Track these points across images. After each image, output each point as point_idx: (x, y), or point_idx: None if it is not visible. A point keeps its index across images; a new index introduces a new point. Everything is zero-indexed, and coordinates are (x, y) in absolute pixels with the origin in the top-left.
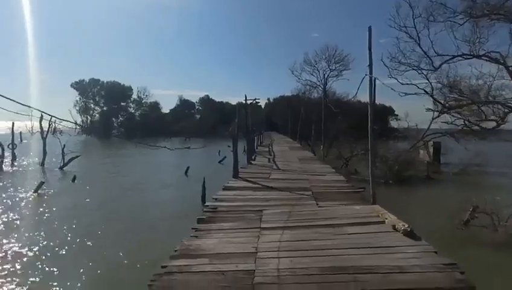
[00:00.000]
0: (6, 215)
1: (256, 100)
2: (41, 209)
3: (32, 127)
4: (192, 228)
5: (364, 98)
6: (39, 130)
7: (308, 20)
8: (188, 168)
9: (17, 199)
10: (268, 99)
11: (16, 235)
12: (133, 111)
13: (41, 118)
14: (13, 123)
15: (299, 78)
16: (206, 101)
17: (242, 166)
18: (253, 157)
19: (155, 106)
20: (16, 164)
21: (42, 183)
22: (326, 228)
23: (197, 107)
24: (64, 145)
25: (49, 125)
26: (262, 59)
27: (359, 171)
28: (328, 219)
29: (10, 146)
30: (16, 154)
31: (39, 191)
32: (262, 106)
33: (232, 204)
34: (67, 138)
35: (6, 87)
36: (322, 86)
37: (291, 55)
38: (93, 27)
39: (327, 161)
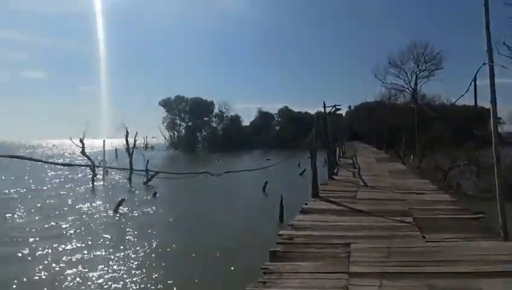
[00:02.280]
0: (84, 232)
1: (337, 106)
2: (116, 227)
3: (134, 144)
4: (262, 268)
5: (461, 100)
6: (134, 146)
7: (391, 21)
8: (266, 183)
9: (99, 215)
10: (349, 107)
11: (89, 254)
12: (215, 125)
13: (126, 136)
14: (104, 141)
15: (383, 82)
16: (284, 112)
17: (323, 182)
18: (335, 171)
19: (236, 119)
20: (106, 180)
21: (122, 200)
22: (448, 279)
23: (276, 119)
24: (147, 161)
25: (134, 141)
26: (342, 65)
27: (461, 185)
28: (445, 262)
29: (102, 163)
30: (108, 170)
31: (119, 209)
32: (343, 115)
33: (312, 233)
34: (157, 153)
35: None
36: (411, 89)
37: (374, 60)
38: (178, 46)
39: (422, 173)
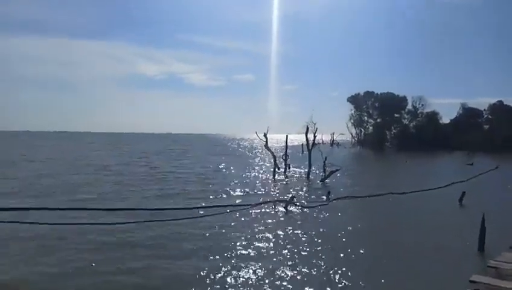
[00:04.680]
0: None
1: None
2: (277, 226)
3: (313, 140)
4: None
5: None
6: (320, 142)
7: None
8: (463, 194)
9: (269, 209)
10: None
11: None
12: (407, 122)
13: (306, 132)
14: (287, 136)
15: None
16: (498, 108)
17: None
18: None
19: (432, 116)
20: (287, 174)
21: (292, 198)
22: None
23: (485, 115)
24: (325, 158)
25: (314, 137)
26: None
27: None
28: None
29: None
30: (290, 165)
31: (288, 208)
32: None
33: None
34: (342, 150)
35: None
36: None
37: None
38: (372, 39)
39: None
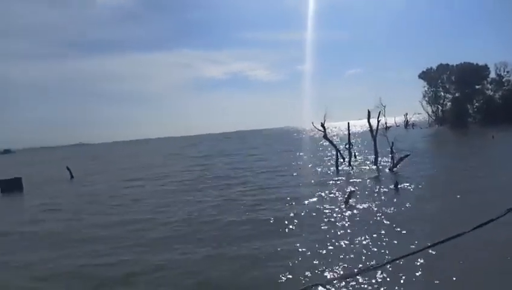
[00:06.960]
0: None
1: None
2: (334, 226)
3: (378, 124)
4: None
5: None
6: (394, 124)
7: None
8: None
9: (328, 204)
10: None
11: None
12: (491, 93)
13: (368, 116)
14: (348, 123)
15: None
16: None
17: None
18: None
19: None
20: (352, 164)
21: (352, 192)
22: None
23: None
24: (392, 143)
25: (378, 122)
26: None
27: None
28: None
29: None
30: (355, 154)
31: (350, 202)
32: None
33: None
34: (418, 131)
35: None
36: None
37: None
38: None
39: None
